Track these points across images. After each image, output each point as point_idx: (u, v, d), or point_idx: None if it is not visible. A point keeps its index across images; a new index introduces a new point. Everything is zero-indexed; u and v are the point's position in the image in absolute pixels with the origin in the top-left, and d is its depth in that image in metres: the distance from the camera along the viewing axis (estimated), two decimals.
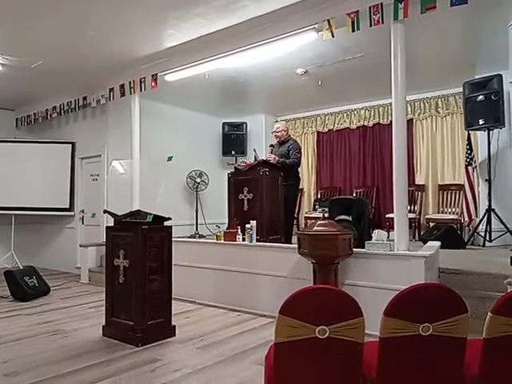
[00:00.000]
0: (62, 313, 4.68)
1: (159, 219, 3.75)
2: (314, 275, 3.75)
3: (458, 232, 6.23)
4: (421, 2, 3.73)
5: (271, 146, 5.89)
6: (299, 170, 5.93)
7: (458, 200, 6.73)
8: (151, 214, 3.68)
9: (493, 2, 4.20)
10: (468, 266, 4.12)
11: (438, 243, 4.76)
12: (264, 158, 5.57)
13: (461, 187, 6.58)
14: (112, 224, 3.89)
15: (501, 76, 5.70)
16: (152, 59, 5.72)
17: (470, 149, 6.22)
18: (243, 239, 4.91)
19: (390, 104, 4.18)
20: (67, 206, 7.49)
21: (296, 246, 3.87)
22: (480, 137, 6.42)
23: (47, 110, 7.50)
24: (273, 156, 5.57)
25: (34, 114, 7.81)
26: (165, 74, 5.79)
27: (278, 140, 5.89)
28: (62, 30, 4.87)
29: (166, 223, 3.83)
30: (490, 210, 5.83)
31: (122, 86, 6.23)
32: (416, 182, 7.24)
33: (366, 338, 1.78)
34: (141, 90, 6.04)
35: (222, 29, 4.85)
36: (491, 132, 5.92)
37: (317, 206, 7.76)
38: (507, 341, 1.80)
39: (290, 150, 5.71)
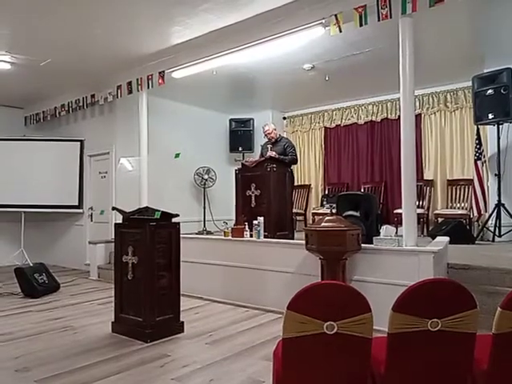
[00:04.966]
0: (72, 309, 4.73)
1: (167, 216, 3.77)
2: (322, 271, 3.75)
3: (467, 227, 6.18)
4: None
5: (270, 144, 5.89)
6: (292, 166, 5.95)
7: (467, 195, 6.68)
8: (159, 211, 3.69)
9: None
10: (477, 262, 4.08)
11: (447, 238, 4.73)
12: (271, 155, 5.58)
13: (470, 182, 6.52)
14: (120, 221, 3.91)
15: (510, 69, 5.63)
16: (159, 56, 5.72)
17: (479, 143, 6.16)
18: (251, 235, 4.92)
19: (398, 99, 4.16)
20: (76, 204, 7.54)
21: (303, 241, 3.87)
22: (489, 131, 6.34)
23: (56, 107, 7.55)
24: (273, 153, 5.59)
25: (43, 112, 7.86)
26: (172, 71, 5.80)
27: (271, 140, 5.92)
28: (69, 28, 4.89)
29: (174, 220, 3.84)
30: (499, 205, 5.78)
31: (130, 84, 6.24)
32: (424, 177, 7.19)
33: (374, 334, 1.78)
34: (148, 87, 6.06)
35: (229, 25, 4.85)
36: (501, 126, 5.86)
37: (324, 202, 7.74)
38: None
39: (287, 147, 5.79)
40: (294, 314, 1.70)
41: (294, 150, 5.86)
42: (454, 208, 6.79)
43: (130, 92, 6.28)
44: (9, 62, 5.88)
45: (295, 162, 5.87)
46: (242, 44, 5.00)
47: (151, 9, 4.48)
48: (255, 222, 4.85)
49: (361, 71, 6.27)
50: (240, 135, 8.59)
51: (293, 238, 5.21)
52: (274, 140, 5.90)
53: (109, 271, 5.98)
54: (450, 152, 7.11)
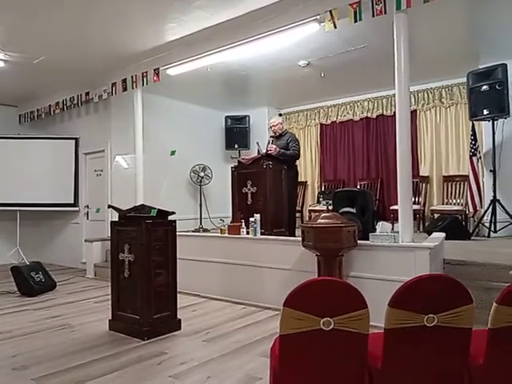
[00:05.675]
0: (69, 307, 4.72)
1: (163, 214, 3.76)
2: (319, 267, 3.76)
3: (463, 223, 6.20)
4: None
5: (272, 137, 5.91)
6: (297, 162, 5.96)
7: (463, 191, 6.70)
8: (155, 209, 3.69)
9: None
10: (473, 257, 4.10)
11: (443, 234, 4.75)
12: (265, 150, 5.57)
13: (465, 178, 6.54)
14: (116, 219, 3.90)
15: (505, 65, 5.65)
16: (154, 53, 5.70)
17: (475, 139, 6.19)
18: (247, 233, 4.92)
19: (394, 95, 4.16)
20: (72, 202, 7.52)
21: (300, 238, 3.88)
22: (484, 127, 6.37)
23: (50, 105, 7.51)
24: (274, 146, 5.57)
25: (37, 110, 7.82)
26: (167, 68, 5.78)
27: (276, 134, 5.89)
28: (63, 25, 4.86)
29: (170, 217, 3.83)
30: (494, 201, 5.81)
31: (124, 81, 6.22)
32: (420, 174, 7.21)
33: (371, 330, 1.78)
34: (143, 85, 6.03)
35: (224, 21, 4.83)
36: (496, 122, 5.88)
37: (321, 199, 7.74)
38: None
39: (290, 142, 5.74)
40: (291, 311, 1.70)
41: (297, 145, 5.78)
42: (450, 204, 6.82)
43: (125, 89, 6.25)
44: (2, 60, 5.84)
45: (297, 157, 5.77)
46: (237, 41, 4.99)
47: (145, 6, 4.45)
48: (252, 219, 4.85)
49: (356, 67, 6.27)
50: (236, 132, 8.58)
51: (293, 236, 5.19)
52: (278, 134, 5.88)
53: (105, 269, 5.97)
54: (445, 148, 7.13)
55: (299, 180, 8.41)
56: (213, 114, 8.61)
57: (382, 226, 4.05)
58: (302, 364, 1.78)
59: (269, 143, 5.79)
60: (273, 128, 5.89)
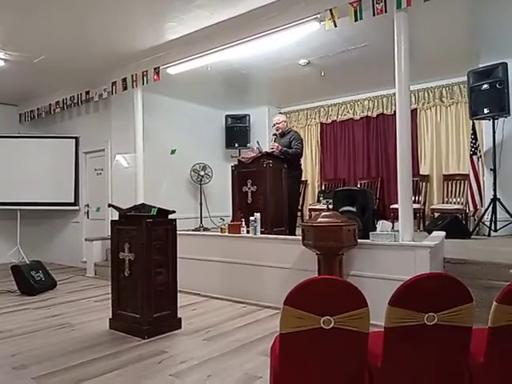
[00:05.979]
0: (69, 306, 4.72)
1: (164, 212, 3.76)
2: (319, 266, 3.76)
3: (463, 222, 6.20)
4: None
5: (274, 135, 5.90)
6: (301, 161, 5.94)
7: (463, 190, 6.70)
8: (155, 208, 3.69)
9: None
10: (473, 256, 4.10)
11: (443, 233, 4.75)
12: (267, 150, 5.56)
13: (466, 177, 6.54)
14: (117, 218, 3.90)
15: (506, 64, 5.65)
16: (154, 52, 5.70)
17: (475, 138, 6.19)
18: (247, 231, 4.92)
19: (394, 94, 4.15)
20: (72, 201, 7.52)
21: (300, 237, 3.88)
22: (485, 126, 6.37)
23: (50, 104, 7.51)
24: (276, 145, 5.56)
25: (38, 109, 7.82)
26: (167, 67, 5.78)
27: (279, 132, 5.88)
28: (63, 24, 4.86)
29: (171, 216, 3.83)
30: (495, 200, 5.81)
31: (125, 80, 6.21)
32: (420, 173, 7.21)
33: (371, 328, 1.78)
34: (143, 84, 6.03)
35: (224, 20, 4.82)
36: (496, 121, 5.88)
37: (321, 198, 7.73)
38: None
39: (292, 140, 5.72)
40: (291, 309, 1.70)
41: (300, 143, 5.73)
42: (450, 203, 6.82)
43: (125, 88, 6.25)
44: (2, 59, 5.84)
45: (299, 155, 5.72)
46: (237, 40, 4.98)
47: (145, 5, 4.45)
48: (252, 218, 4.84)
49: (356, 66, 6.26)
50: (236, 131, 8.58)
51: (294, 234, 5.18)
52: (281, 132, 5.86)
53: (105, 268, 5.97)
54: (445, 147, 7.13)
55: None
56: (213, 112, 8.60)
57: (382, 225, 4.04)
58: (302, 363, 1.78)
59: (272, 141, 5.79)
60: (277, 126, 5.87)
